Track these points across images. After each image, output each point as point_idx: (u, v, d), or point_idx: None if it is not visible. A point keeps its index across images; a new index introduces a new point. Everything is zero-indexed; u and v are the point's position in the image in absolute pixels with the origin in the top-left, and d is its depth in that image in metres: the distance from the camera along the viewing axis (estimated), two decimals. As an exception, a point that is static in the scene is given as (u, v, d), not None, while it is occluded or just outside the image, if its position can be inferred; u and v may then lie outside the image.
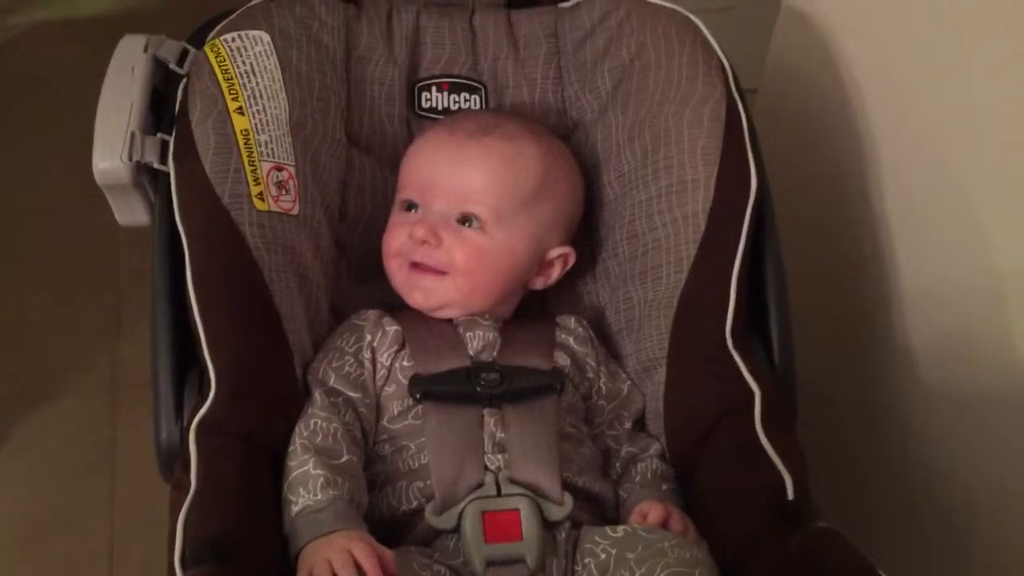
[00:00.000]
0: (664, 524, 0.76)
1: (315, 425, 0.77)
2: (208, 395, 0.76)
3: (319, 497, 0.71)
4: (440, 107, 0.97)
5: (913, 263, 0.95)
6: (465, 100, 0.97)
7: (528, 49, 0.98)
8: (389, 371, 0.83)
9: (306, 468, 0.73)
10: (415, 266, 0.86)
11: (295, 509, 0.72)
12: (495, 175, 0.86)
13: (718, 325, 0.84)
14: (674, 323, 0.85)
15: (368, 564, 0.68)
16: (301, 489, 0.72)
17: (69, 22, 1.99)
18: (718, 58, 0.90)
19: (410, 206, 0.88)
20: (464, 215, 0.86)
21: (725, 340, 0.83)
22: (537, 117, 0.97)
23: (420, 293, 0.86)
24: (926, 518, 0.96)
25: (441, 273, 0.86)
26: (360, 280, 0.94)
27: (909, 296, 0.96)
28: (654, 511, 0.77)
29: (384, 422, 0.81)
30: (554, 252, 0.90)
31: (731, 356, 0.83)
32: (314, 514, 0.71)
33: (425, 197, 0.87)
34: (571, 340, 0.88)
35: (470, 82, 0.98)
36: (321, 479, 0.72)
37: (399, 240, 0.87)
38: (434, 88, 0.97)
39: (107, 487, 1.31)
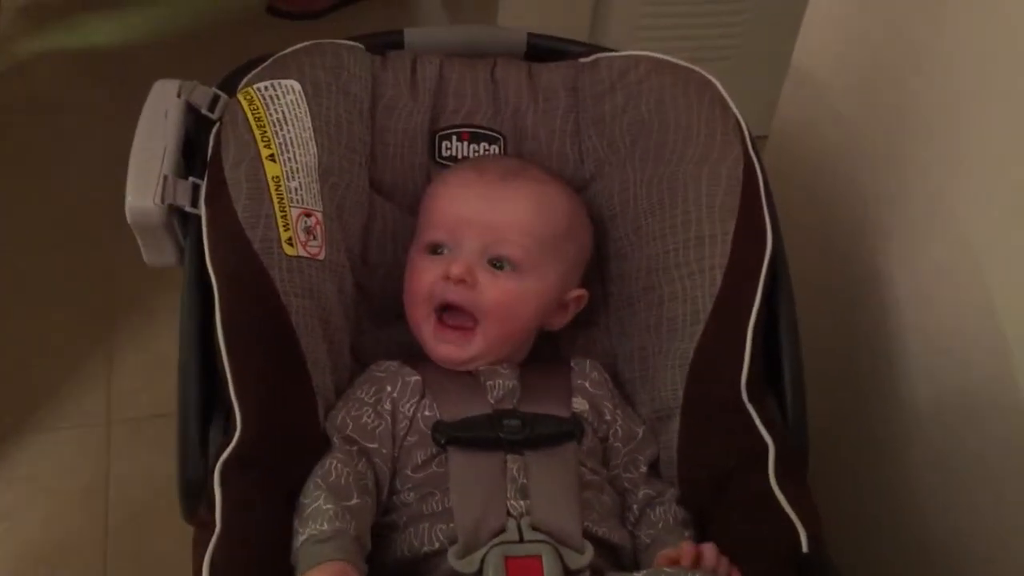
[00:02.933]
0: (698, 561, 0.75)
1: (330, 466, 0.77)
2: (234, 435, 0.76)
3: (325, 528, 0.71)
4: (460, 155, 0.98)
5: (921, 321, 0.96)
6: (484, 150, 0.98)
7: (548, 101, 0.99)
8: (411, 421, 0.82)
9: (317, 504, 0.73)
10: (442, 322, 0.85)
11: (301, 538, 0.72)
12: (530, 215, 0.86)
13: (733, 378, 0.84)
14: (690, 374, 0.86)
15: None
16: (310, 521, 0.73)
17: (77, 52, 1.99)
18: (735, 118, 0.92)
19: (436, 248, 0.87)
20: (497, 257, 0.85)
21: (740, 393, 0.84)
22: (554, 167, 0.98)
23: (445, 348, 0.86)
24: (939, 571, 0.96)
25: (468, 330, 0.85)
26: (379, 323, 0.95)
27: (915, 352, 0.97)
28: (687, 554, 0.74)
29: (408, 471, 0.81)
30: (571, 294, 0.90)
31: (746, 408, 0.83)
32: (318, 544, 0.71)
33: (455, 236, 0.86)
34: (587, 384, 0.88)
35: (490, 132, 0.98)
36: (330, 512, 0.73)
37: (428, 281, 0.85)
38: (454, 137, 0.98)
39: (101, 520, 1.29)
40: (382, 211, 0.95)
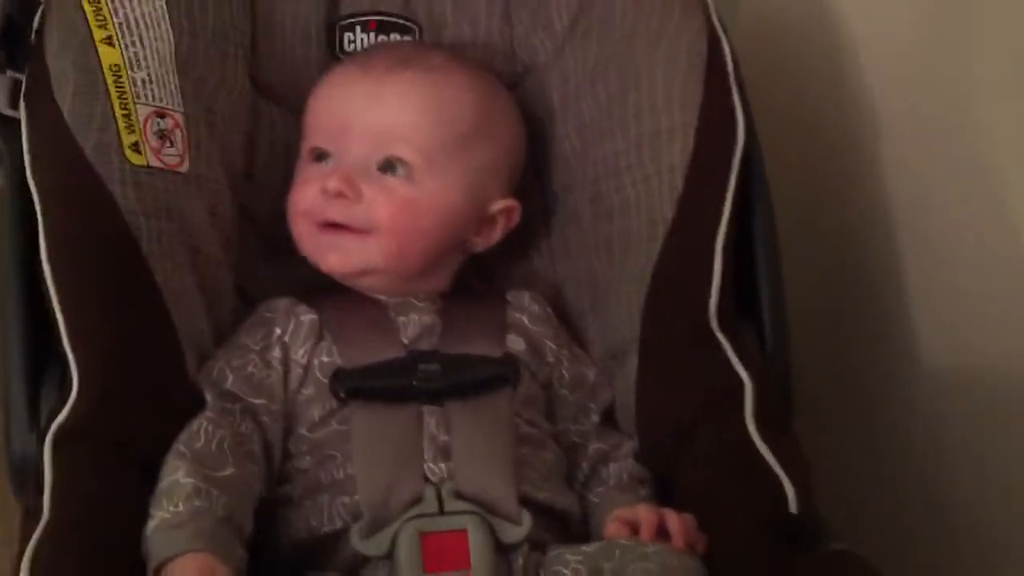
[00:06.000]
0: (660, 529, 0.68)
1: (199, 429, 0.68)
2: (70, 395, 0.67)
3: (180, 509, 0.63)
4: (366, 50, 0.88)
5: (920, 238, 0.90)
6: (396, 41, 0.88)
7: None
8: (306, 370, 0.74)
9: (175, 477, 0.65)
10: (329, 226, 0.78)
11: (152, 524, 0.63)
12: (423, 109, 0.78)
13: (700, 303, 0.76)
14: (647, 301, 0.78)
15: None
16: (164, 500, 0.64)
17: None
18: None
19: (320, 156, 0.79)
20: (387, 160, 0.77)
21: (709, 321, 0.76)
22: (481, 60, 0.88)
23: (335, 255, 0.78)
24: (932, 531, 0.91)
25: (362, 232, 0.77)
26: (274, 256, 0.84)
27: (914, 292, 0.91)
28: (646, 521, 0.67)
29: (304, 431, 0.73)
30: (496, 205, 0.81)
31: (716, 339, 0.75)
32: (172, 530, 0.62)
33: (338, 143, 0.78)
34: (525, 319, 0.80)
35: (402, 20, 0.88)
36: (189, 488, 0.64)
37: (308, 197, 0.78)
38: (359, 27, 0.88)
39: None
40: (270, 117, 0.85)
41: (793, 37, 1.03)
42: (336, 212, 0.76)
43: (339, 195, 0.76)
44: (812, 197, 1.01)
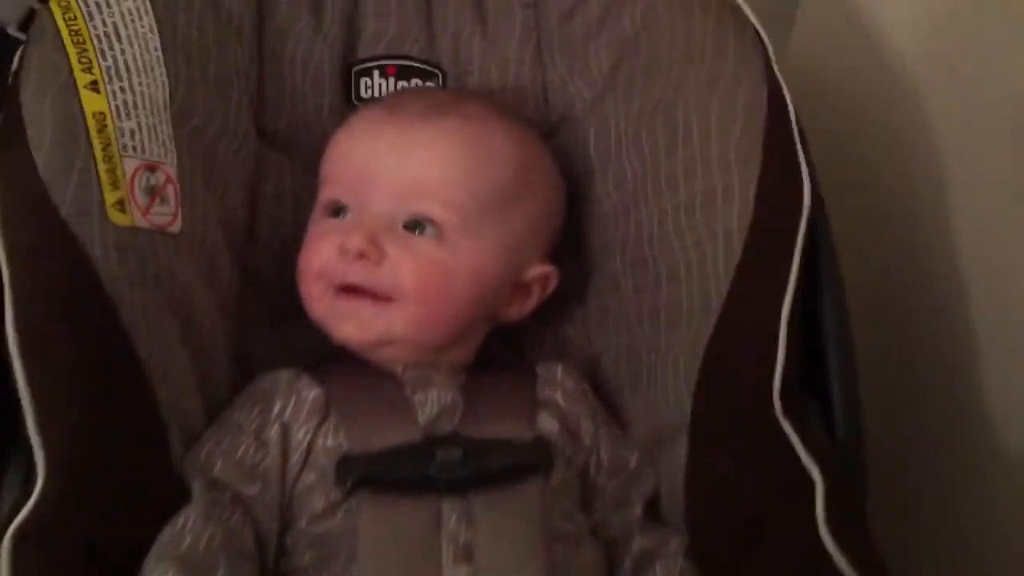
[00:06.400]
0: None
1: (183, 527, 0.61)
2: (33, 489, 0.59)
3: None
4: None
5: (999, 304, 0.82)
6: (427, 88, 0.84)
7: (499, 22, 0.84)
8: (308, 453, 0.68)
9: None
10: (347, 290, 0.72)
11: None
12: (457, 163, 0.72)
13: (761, 383, 0.68)
14: (700, 379, 0.71)
15: None
16: None
17: None
18: (752, 27, 0.75)
19: (337, 210, 0.74)
20: (415, 218, 0.71)
21: (771, 404, 0.68)
22: (512, 110, 0.82)
23: (351, 323, 0.72)
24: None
25: (383, 299, 0.71)
26: (279, 321, 0.78)
27: (993, 353, 0.82)
28: None
29: (303, 524, 0.66)
30: (532, 272, 0.76)
31: (779, 426, 0.67)
32: None
33: (359, 196, 0.72)
34: (559, 396, 0.74)
35: (424, 66, 0.83)
36: None
37: (324, 255, 0.72)
38: (376, 73, 0.83)
39: None
40: (277, 169, 0.81)
41: (847, 76, 0.97)
42: (355, 274, 0.70)
43: (360, 256, 0.70)
44: (874, 258, 0.94)
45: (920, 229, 0.90)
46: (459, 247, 0.71)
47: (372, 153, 0.72)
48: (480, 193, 0.72)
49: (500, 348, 0.79)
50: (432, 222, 0.71)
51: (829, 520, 0.63)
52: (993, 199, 0.82)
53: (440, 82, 0.83)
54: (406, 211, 0.71)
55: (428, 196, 0.71)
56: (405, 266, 0.70)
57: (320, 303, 0.73)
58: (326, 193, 0.75)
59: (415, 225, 0.71)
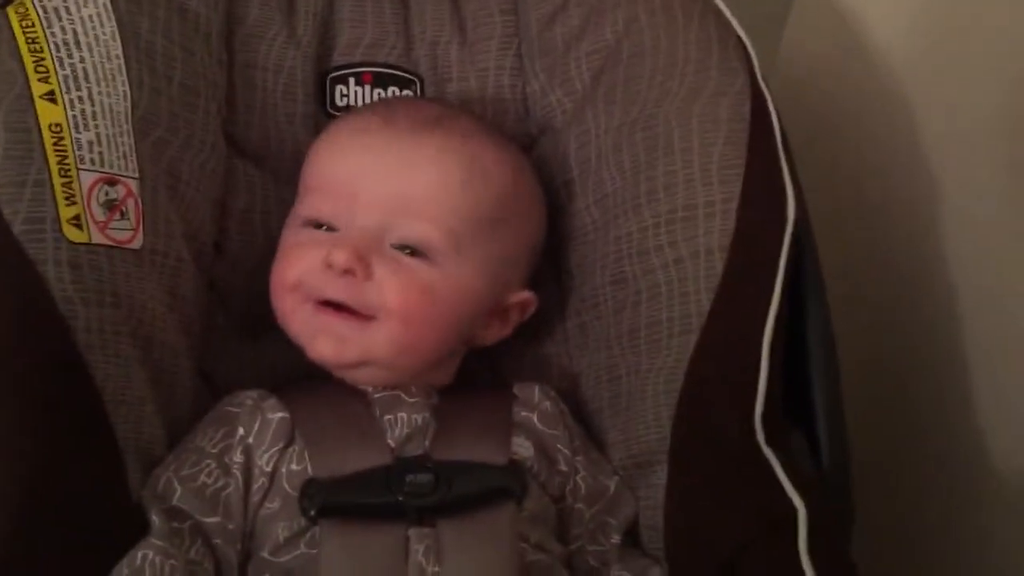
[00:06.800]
0: None
1: (142, 563, 0.58)
2: None
3: None
4: (360, 105, 0.81)
5: (986, 314, 0.81)
6: (394, 96, 0.81)
7: (478, 30, 0.82)
8: (272, 479, 0.65)
9: None
10: (326, 305, 0.68)
11: None
12: (453, 183, 0.69)
13: (743, 410, 0.67)
14: (680, 403, 0.69)
15: None
16: None
17: None
18: (736, 36, 0.74)
19: (319, 224, 0.70)
20: (405, 236, 0.69)
21: (754, 432, 0.66)
22: (489, 119, 0.80)
23: (328, 342, 0.68)
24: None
25: (365, 318, 0.68)
26: (248, 337, 0.76)
27: (988, 374, 0.80)
28: None
29: (266, 554, 0.63)
30: (514, 297, 0.74)
31: (762, 455, 0.66)
32: None
33: (344, 208, 0.69)
34: (535, 419, 0.71)
35: (401, 72, 0.81)
36: None
37: (301, 267, 0.68)
38: (352, 80, 0.81)
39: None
40: (247, 181, 0.77)
41: (835, 87, 0.96)
42: (338, 290, 0.67)
43: (347, 272, 0.66)
44: (859, 269, 0.92)
45: (910, 233, 0.89)
46: (448, 269, 0.69)
47: (359, 164, 0.69)
48: (473, 216, 0.70)
49: (478, 367, 0.76)
50: (423, 241, 0.69)
51: (811, 552, 0.61)
52: (983, 203, 0.81)
53: (418, 90, 0.81)
54: (395, 228, 0.68)
55: (419, 215, 0.68)
56: (392, 286, 0.67)
57: (295, 317, 0.70)
58: (307, 203, 0.72)
59: (404, 243, 0.68)
